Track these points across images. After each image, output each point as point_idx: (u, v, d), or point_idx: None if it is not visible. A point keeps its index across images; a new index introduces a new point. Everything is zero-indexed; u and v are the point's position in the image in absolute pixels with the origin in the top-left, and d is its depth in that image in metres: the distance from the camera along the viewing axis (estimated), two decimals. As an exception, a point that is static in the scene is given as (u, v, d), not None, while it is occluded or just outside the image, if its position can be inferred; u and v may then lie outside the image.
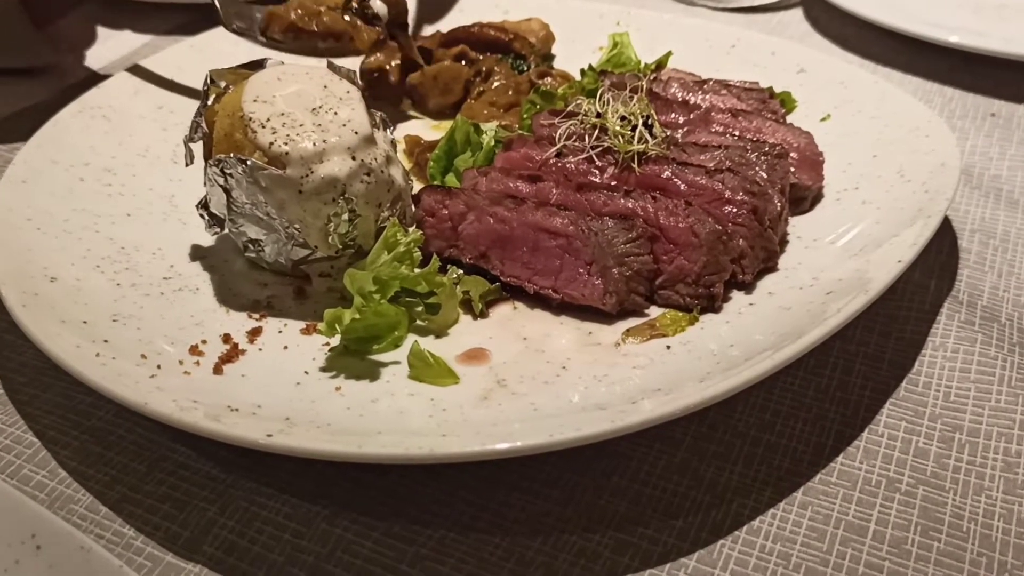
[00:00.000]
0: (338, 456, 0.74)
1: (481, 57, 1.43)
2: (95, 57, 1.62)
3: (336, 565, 0.76)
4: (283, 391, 0.86)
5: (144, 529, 0.79)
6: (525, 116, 1.23)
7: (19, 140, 1.36)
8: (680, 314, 0.96)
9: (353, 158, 0.95)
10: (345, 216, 0.96)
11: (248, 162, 0.94)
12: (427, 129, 1.37)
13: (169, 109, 1.31)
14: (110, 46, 1.66)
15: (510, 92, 1.36)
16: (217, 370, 0.88)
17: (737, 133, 1.15)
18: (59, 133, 1.20)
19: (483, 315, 0.98)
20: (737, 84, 1.26)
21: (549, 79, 1.36)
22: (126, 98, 1.30)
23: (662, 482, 0.83)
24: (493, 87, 1.38)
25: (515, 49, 1.46)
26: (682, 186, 1.03)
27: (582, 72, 1.33)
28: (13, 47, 1.56)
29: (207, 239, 1.08)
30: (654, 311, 0.98)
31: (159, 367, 0.86)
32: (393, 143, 1.05)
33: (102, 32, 1.72)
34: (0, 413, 0.90)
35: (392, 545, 0.78)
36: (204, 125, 1.03)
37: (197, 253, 1.07)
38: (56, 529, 0.69)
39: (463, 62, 1.43)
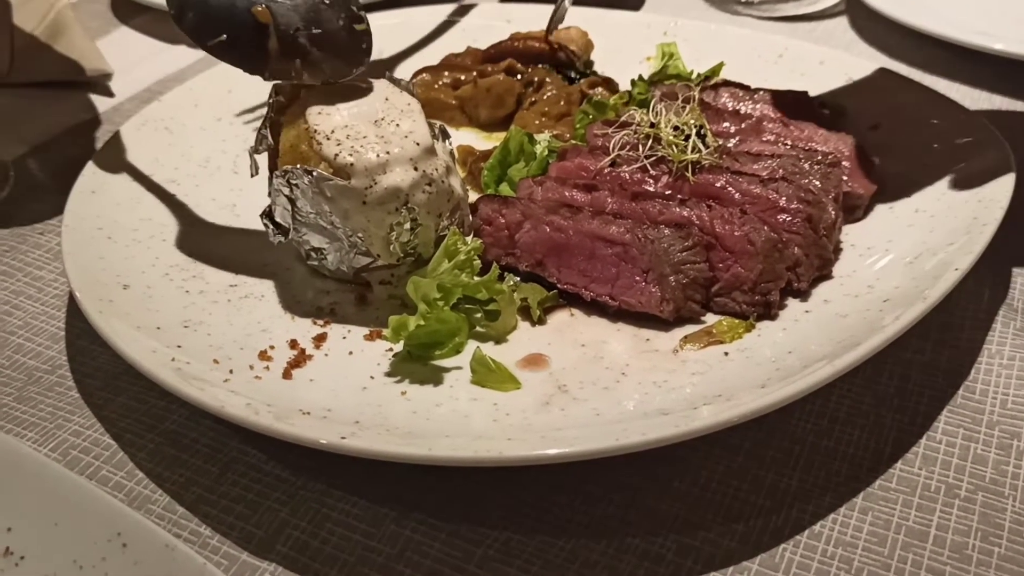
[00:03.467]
0: (410, 458, 0.76)
1: (529, 69, 1.45)
2: (151, 70, 1.66)
3: (406, 565, 0.78)
4: (350, 396, 0.88)
5: (219, 529, 0.81)
6: (578, 126, 1.25)
7: (79, 151, 1.40)
8: (737, 321, 0.97)
9: (415, 169, 0.98)
10: (407, 225, 0.99)
11: (314, 173, 0.96)
12: (478, 139, 1.39)
13: (227, 121, 1.34)
14: (165, 60, 1.70)
15: (561, 103, 1.38)
16: (286, 375, 0.91)
17: (789, 142, 1.16)
18: (124, 145, 1.23)
19: (541, 322, 1.00)
20: (787, 93, 1.28)
21: (600, 89, 1.38)
22: (186, 111, 1.34)
23: (722, 487, 0.85)
24: (544, 98, 1.40)
25: (559, 59, 1.47)
26: (736, 195, 1.05)
27: (632, 83, 1.35)
28: (72, 60, 1.61)
29: (269, 247, 1.10)
30: (711, 318, 0.99)
31: (231, 372, 0.89)
32: (451, 154, 1.08)
33: (157, 45, 1.76)
34: (78, 416, 0.93)
35: (459, 546, 0.80)
36: (269, 137, 1.06)
37: (260, 261, 1.09)
38: (141, 527, 0.71)
39: (513, 75, 1.45)
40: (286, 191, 1.00)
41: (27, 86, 1.58)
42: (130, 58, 1.69)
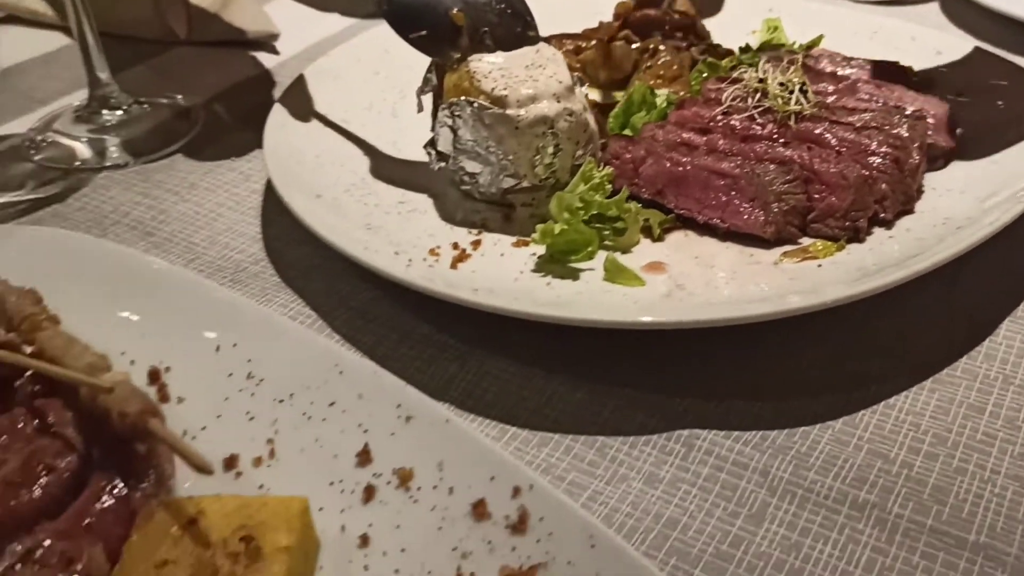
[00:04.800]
0: (560, 320, 0.96)
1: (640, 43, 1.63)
2: (308, 34, 1.89)
3: (552, 410, 0.97)
4: (506, 284, 1.08)
5: (403, 376, 1.00)
6: (694, 83, 1.43)
7: (255, 98, 1.63)
8: (829, 243, 1.14)
9: (558, 102, 1.18)
10: (550, 149, 1.18)
11: (475, 104, 1.17)
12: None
13: (384, 75, 1.54)
14: (320, 26, 1.93)
15: (675, 67, 1.56)
16: (453, 266, 1.11)
17: (881, 101, 1.32)
18: (303, 90, 1.45)
19: (660, 239, 1.18)
20: (881, 61, 1.44)
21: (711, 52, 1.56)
22: (350, 64, 1.55)
23: (812, 369, 1.02)
24: (659, 63, 1.58)
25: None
26: (833, 140, 1.21)
27: (740, 50, 1.52)
28: (243, 22, 1.84)
29: (427, 175, 1.30)
30: (807, 242, 1.16)
31: (410, 260, 1.10)
32: (586, 97, 1.27)
33: (312, 13, 1.99)
34: (282, 295, 1.15)
35: (595, 398, 0.99)
36: (434, 79, 1.27)
37: (419, 186, 1.29)
38: (353, 359, 0.91)
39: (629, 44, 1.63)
40: (449, 122, 1.20)
41: (204, 45, 1.83)
42: (289, 23, 1.91)
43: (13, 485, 0.76)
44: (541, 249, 1.14)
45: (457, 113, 1.19)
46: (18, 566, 0.66)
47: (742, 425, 0.95)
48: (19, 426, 0.81)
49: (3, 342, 0.86)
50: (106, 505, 0.75)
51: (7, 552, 0.67)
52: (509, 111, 1.17)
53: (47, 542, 0.68)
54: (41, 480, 0.76)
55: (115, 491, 0.76)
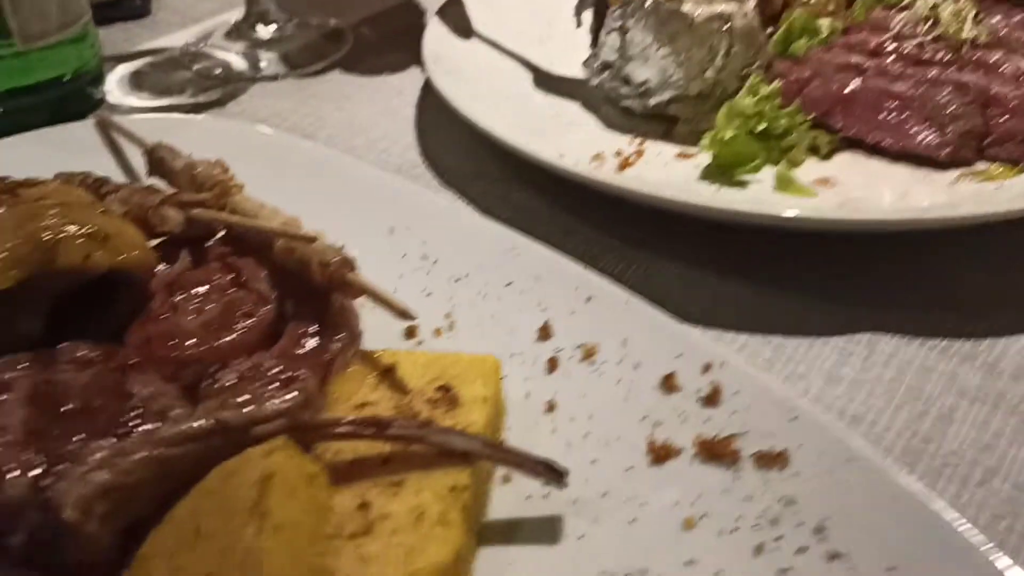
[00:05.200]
0: (743, 216, 0.96)
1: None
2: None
3: (724, 309, 0.96)
4: (674, 190, 1.06)
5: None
6: (858, 14, 1.40)
7: (400, 23, 1.65)
8: (1008, 167, 1.10)
9: (733, 2, 1.17)
10: (722, 49, 1.17)
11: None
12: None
13: (526, 6, 1.54)
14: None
15: (831, 6, 1.52)
16: (619, 170, 1.11)
17: (1057, 35, 1.27)
18: (459, 6, 1.46)
19: (827, 157, 1.16)
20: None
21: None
22: (499, -8, 1.56)
23: (994, 284, 0.99)
24: (812, 1, 1.54)
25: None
26: (1009, 68, 1.17)
27: (901, -13, 1.48)
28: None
29: (582, 93, 1.29)
30: (982, 166, 1.12)
31: (576, 161, 1.09)
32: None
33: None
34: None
35: (768, 300, 0.97)
36: (596, -6, 1.27)
37: (573, 98, 1.29)
38: (528, 242, 0.91)
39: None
40: (620, 23, 1.20)
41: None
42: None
43: (214, 329, 0.77)
44: (706, 161, 1.12)
45: (630, 12, 1.18)
46: (245, 381, 0.67)
47: (925, 333, 0.92)
48: (215, 280, 0.83)
49: (199, 201, 0.88)
50: (304, 350, 0.76)
51: (232, 368, 0.69)
52: (685, 7, 1.16)
53: (269, 362, 0.69)
54: (241, 324, 0.77)
55: (311, 340, 0.77)
